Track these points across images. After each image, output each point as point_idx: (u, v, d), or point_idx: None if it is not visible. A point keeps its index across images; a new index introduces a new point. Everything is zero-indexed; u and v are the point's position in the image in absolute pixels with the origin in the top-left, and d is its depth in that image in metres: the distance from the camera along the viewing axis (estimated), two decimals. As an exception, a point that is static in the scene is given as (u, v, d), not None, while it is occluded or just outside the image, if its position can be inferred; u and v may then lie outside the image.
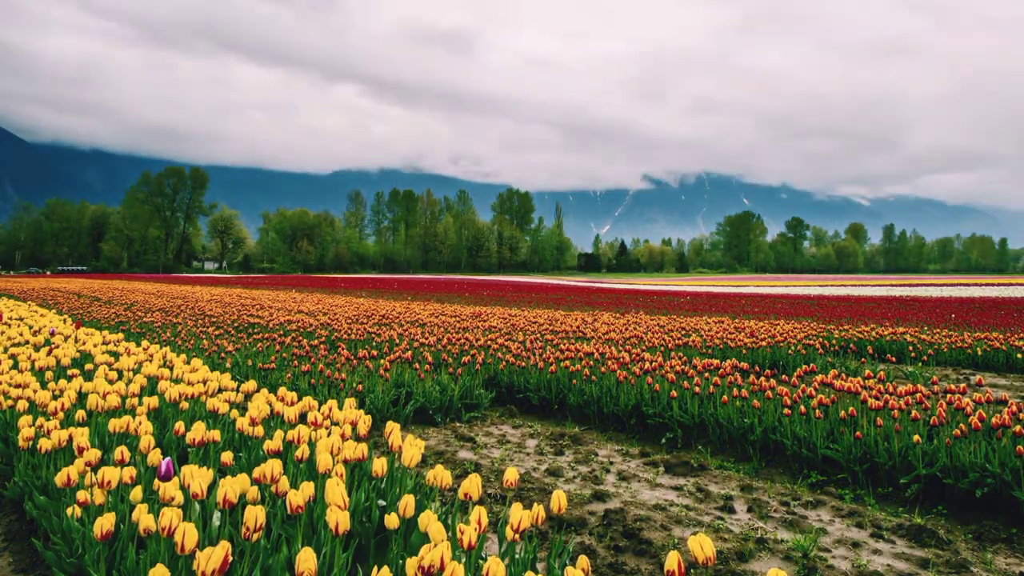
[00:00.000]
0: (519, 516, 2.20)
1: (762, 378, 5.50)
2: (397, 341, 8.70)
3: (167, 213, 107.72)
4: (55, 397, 4.19)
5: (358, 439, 3.38)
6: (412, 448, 2.85)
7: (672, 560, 1.72)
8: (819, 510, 3.90)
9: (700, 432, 5.42)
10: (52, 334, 7.80)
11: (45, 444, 3.23)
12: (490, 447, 5.29)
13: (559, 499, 2.39)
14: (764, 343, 9.17)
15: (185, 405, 4.18)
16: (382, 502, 2.99)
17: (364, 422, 3.45)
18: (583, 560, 2.00)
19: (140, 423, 3.39)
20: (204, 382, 4.56)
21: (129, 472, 2.79)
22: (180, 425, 3.56)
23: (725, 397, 5.28)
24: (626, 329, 10.62)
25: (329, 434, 3.32)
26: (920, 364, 9.18)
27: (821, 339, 10.03)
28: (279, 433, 3.17)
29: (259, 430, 3.43)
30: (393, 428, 3.18)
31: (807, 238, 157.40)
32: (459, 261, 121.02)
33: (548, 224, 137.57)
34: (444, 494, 3.96)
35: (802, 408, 4.79)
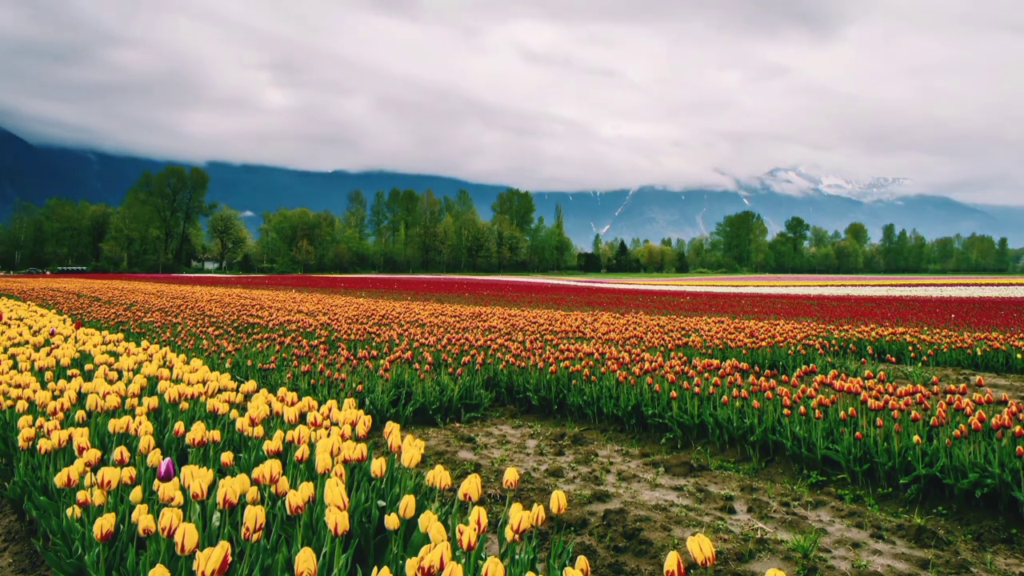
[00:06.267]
0: (519, 517, 2.20)
1: (762, 378, 5.50)
2: (397, 341, 8.70)
3: (167, 213, 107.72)
4: (55, 397, 4.19)
5: (358, 439, 3.38)
6: (412, 448, 2.85)
7: (671, 560, 1.72)
8: (819, 510, 3.90)
9: (700, 432, 5.42)
10: (52, 334, 7.80)
11: (45, 444, 3.23)
12: (490, 447, 5.29)
13: (559, 499, 2.39)
14: (764, 343, 9.17)
15: (185, 405, 4.18)
16: (382, 502, 2.99)
17: (364, 422, 3.45)
18: (582, 560, 2.00)
19: (140, 423, 3.40)
20: (204, 382, 4.56)
21: (129, 472, 2.79)
22: (180, 425, 3.56)
23: (725, 397, 5.27)
24: (626, 329, 10.61)
25: (329, 434, 3.32)
26: (920, 364, 9.18)
27: (821, 339, 10.03)
28: (279, 433, 3.17)
29: (259, 430, 3.43)
30: (393, 428, 3.19)
31: (807, 238, 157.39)
32: (459, 261, 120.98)
33: (548, 224, 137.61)
34: (444, 494, 3.96)
35: (802, 408, 4.79)
